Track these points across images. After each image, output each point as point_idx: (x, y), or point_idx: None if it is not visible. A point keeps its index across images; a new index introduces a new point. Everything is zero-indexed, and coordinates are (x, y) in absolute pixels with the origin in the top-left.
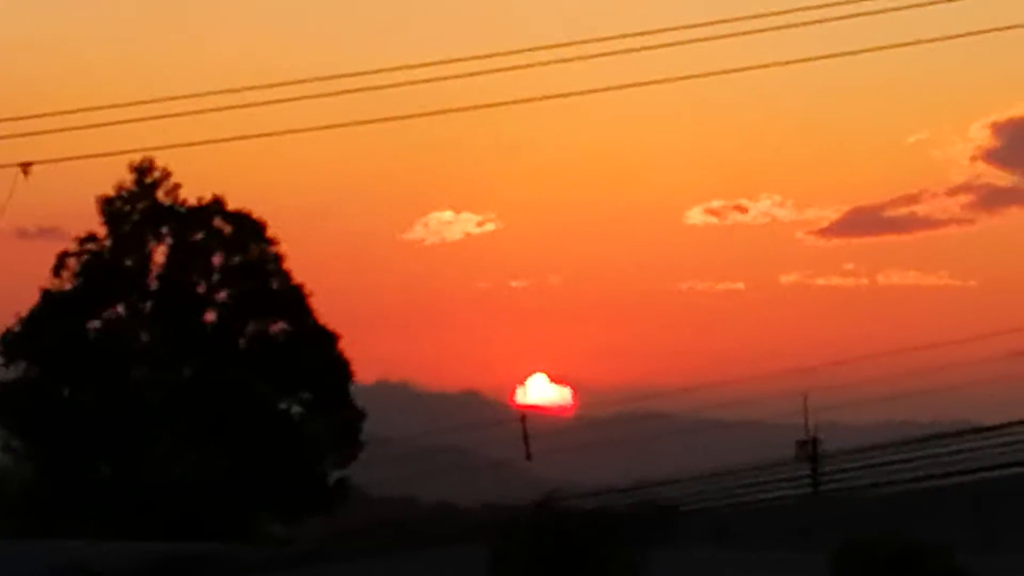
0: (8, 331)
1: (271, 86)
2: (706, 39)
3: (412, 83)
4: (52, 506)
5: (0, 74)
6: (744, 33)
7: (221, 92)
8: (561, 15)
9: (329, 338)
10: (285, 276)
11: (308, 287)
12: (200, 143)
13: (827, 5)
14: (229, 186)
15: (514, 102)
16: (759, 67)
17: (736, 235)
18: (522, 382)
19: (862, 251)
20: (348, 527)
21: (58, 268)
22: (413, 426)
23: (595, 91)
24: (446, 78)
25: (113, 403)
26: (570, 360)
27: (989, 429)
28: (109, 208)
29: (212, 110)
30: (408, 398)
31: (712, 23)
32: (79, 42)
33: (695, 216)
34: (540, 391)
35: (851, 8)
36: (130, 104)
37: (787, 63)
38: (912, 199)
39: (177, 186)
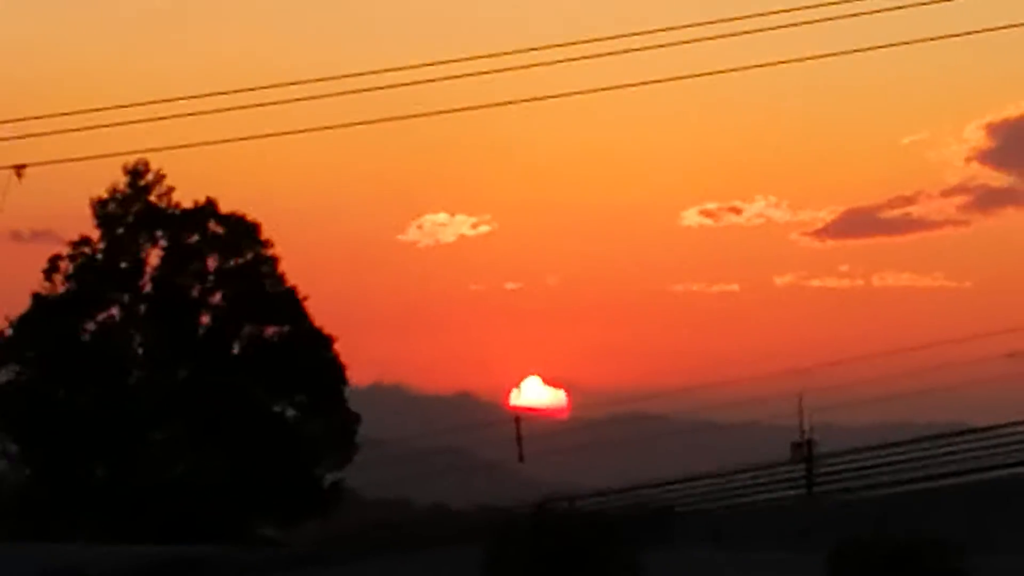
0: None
1: (265, 88)
2: (699, 40)
3: (407, 84)
4: (47, 509)
5: None
6: (737, 34)
7: (214, 94)
8: (555, 16)
9: (324, 341)
10: (279, 279)
11: (302, 290)
12: (194, 145)
13: (821, 6)
14: (223, 188)
15: (509, 103)
16: (754, 68)
17: (731, 236)
18: (517, 384)
19: (857, 252)
20: (343, 529)
21: (49, 272)
22: (408, 428)
23: (589, 92)
24: (441, 79)
25: (108, 406)
26: (564, 362)
27: (984, 430)
28: (103, 211)
29: (205, 112)
30: (403, 400)
31: (705, 24)
32: (73, 44)
33: (690, 217)
34: (534, 393)
35: (845, 9)
36: (123, 106)
37: (781, 64)
38: (907, 200)
39: (171, 189)
